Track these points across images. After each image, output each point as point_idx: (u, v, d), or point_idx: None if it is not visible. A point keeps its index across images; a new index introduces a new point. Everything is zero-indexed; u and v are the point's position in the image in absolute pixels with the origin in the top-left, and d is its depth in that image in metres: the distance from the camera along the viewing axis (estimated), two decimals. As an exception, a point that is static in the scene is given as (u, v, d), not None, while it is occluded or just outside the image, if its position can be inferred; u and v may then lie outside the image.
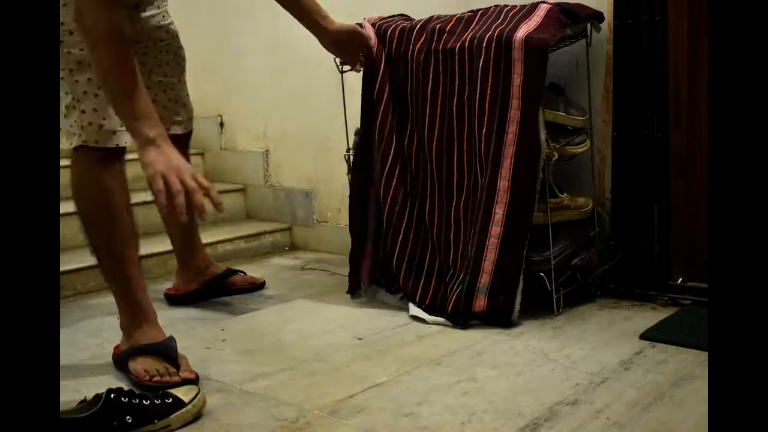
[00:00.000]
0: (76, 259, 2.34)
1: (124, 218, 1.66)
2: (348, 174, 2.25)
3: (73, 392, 1.57)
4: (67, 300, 2.26)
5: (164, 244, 2.54)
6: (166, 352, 1.62)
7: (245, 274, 2.37)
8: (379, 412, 1.42)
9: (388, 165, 2.10)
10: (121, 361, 1.66)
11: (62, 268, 2.24)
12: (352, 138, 2.26)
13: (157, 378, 1.57)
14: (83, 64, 1.57)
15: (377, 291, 2.19)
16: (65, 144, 1.65)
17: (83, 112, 1.58)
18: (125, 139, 1.61)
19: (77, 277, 2.32)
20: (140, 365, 1.59)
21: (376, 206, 2.15)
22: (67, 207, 2.16)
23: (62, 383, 1.58)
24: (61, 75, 1.57)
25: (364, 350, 1.77)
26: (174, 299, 2.22)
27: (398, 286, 2.11)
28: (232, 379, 1.61)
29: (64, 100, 1.60)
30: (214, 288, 2.26)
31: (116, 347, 1.72)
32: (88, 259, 2.28)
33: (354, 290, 2.20)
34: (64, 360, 1.73)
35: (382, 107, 2.09)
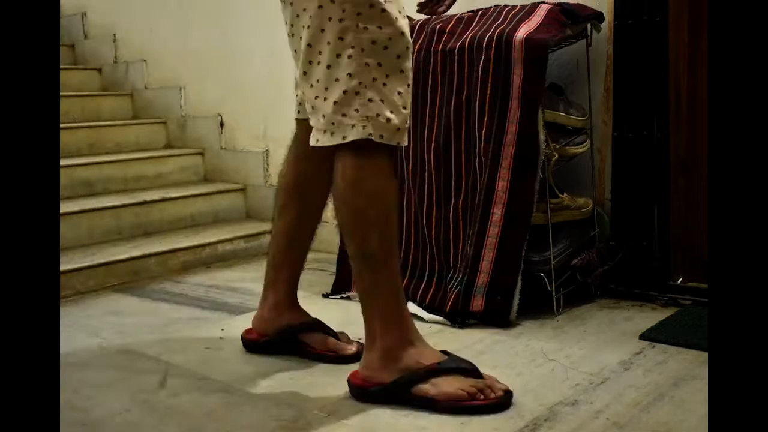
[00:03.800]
0: (76, 259, 2.34)
1: (396, 222, 1.46)
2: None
3: (73, 392, 1.57)
4: (67, 300, 2.25)
5: (163, 244, 2.55)
6: (470, 368, 1.44)
7: (343, 334, 1.74)
8: (379, 411, 1.42)
9: None
10: (400, 386, 1.41)
11: (62, 268, 2.24)
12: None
13: (481, 396, 1.40)
14: (377, 45, 1.33)
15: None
16: (325, 139, 1.39)
17: (370, 101, 1.34)
18: (406, 138, 1.42)
19: (77, 277, 2.31)
20: (449, 386, 1.40)
21: None
22: (67, 207, 2.16)
23: (62, 383, 1.58)
24: (344, 53, 1.34)
25: (364, 350, 1.77)
26: (251, 346, 1.76)
27: None
28: (232, 379, 1.61)
29: (344, 83, 1.34)
30: (288, 341, 1.72)
31: (359, 377, 1.46)
32: (88, 259, 2.28)
33: (338, 292, 2.15)
34: (64, 359, 1.73)
35: None
